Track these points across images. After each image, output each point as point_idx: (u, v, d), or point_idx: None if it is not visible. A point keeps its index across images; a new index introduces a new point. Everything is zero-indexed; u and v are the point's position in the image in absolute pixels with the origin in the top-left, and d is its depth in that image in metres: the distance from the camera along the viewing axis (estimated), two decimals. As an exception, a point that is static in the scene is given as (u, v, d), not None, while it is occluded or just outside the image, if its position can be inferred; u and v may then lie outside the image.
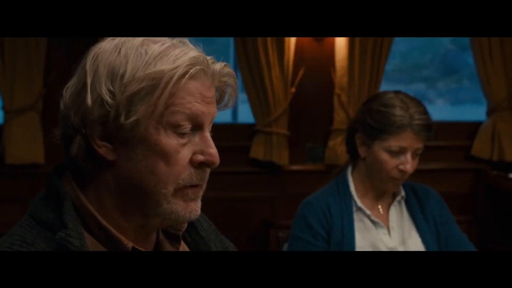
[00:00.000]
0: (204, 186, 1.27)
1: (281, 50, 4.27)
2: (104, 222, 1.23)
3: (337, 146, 4.40)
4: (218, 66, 1.25)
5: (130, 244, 1.23)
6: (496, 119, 4.60)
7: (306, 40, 4.37)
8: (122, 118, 1.18)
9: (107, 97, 1.18)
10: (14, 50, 4.01)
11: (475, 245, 2.58)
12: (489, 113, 4.64)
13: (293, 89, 4.37)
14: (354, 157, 2.56)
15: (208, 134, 1.25)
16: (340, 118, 4.42)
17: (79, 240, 1.18)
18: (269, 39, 4.24)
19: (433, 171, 4.57)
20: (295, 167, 4.50)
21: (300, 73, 4.39)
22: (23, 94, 4.05)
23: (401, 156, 2.38)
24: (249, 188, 4.46)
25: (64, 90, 1.24)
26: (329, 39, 4.39)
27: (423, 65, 5.72)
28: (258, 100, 4.33)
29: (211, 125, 1.27)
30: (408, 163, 2.37)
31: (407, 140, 2.36)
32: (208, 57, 1.24)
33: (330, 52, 4.40)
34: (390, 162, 2.38)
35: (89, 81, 1.20)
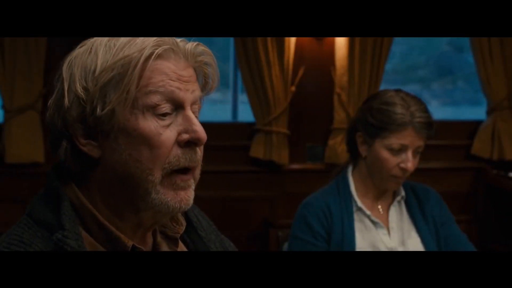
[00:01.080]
0: (196, 173, 1.26)
1: (281, 49, 4.27)
2: (104, 221, 1.23)
3: (337, 145, 4.40)
4: (190, 45, 1.24)
5: (130, 243, 1.23)
6: (496, 118, 4.60)
7: (306, 39, 4.37)
8: (98, 110, 1.19)
9: (82, 94, 1.20)
10: (14, 50, 4.01)
11: (475, 244, 2.58)
12: (489, 112, 4.64)
13: (293, 88, 4.37)
14: (354, 157, 2.56)
15: (190, 113, 1.23)
16: (340, 117, 4.42)
17: (76, 241, 1.18)
18: (269, 38, 4.23)
19: (433, 170, 4.57)
20: (295, 167, 4.50)
21: (300, 72, 4.39)
22: (23, 94, 4.05)
23: (402, 154, 2.38)
24: (249, 187, 4.45)
25: (49, 102, 1.25)
26: (329, 38, 4.39)
27: (418, 66, 5.72)
28: (258, 99, 4.32)
29: (197, 107, 1.26)
30: (409, 161, 2.37)
31: (408, 138, 2.37)
32: (179, 39, 1.24)
33: (330, 51, 4.39)
34: (391, 160, 2.39)
35: (65, 85, 1.21)
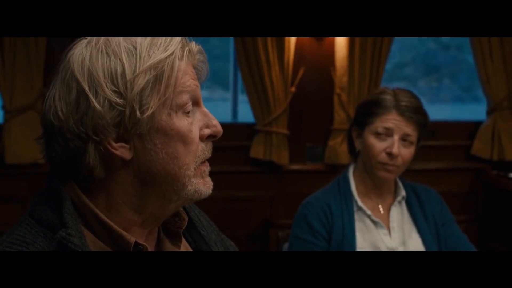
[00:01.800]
0: None
1: (281, 49, 4.27)
2: (105, 219, 1.23)
3: (337, 145, 4.40)
4: (193, 45, 1.29)
5: (132, 239, 1.24)
6: (496, 118, 4.60)
7: (306, 39, 4.37)
8: (138, 113, 1.20)
9: (115, 98, 1.20)
10: (14, 50, 4.01)
11: (475, 244, 2.58)
12: (489, 112, 4.65)
13: (293, 89, 4.37)
14: (354, 156, 2.57)
15: (206, 109, 1.30)
16: (340, 117, 4.42)
17: (79, 239, 1.19)
18: (269, 38, 4.23)
19: (433, 171, 4.57)
20: (295, 167, 4.50)
21: (300, 73, 4.39)
22: (23, 94, 4.05)
23: (388, 139, 2.40)
24: (249, 187, 4.46)
25: (48, 104, 1.23)
26: (329, 38, 4.39)
27: (405, 64, 5.71)
28: (258, 100, 4.32)
29: None
30: (394, 146, 2.38)
31: (393, 121, 2.39)
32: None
33: (330, 52, 4.40)
34: (378, 145, 2.41)
35: (86, 87, 1.20)
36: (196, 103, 1.28)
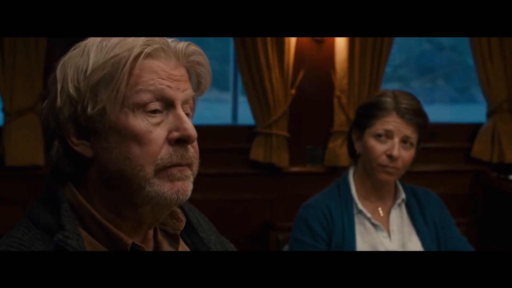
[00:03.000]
0: (195, 168, 1.26)
1: (281, 51, 4.27)
2: (103, 220, 1.23)
3: (337, 148, 4.40)
4: (181, 45, 1.25)
5: (130, 241, 1.23)
6: (496, 120, 4.60)
7: (306, 41, 4.37)
8: (89, 109, 1.20)
9: (73, 94, 1.21)
10: (14, 50, 4.01)
11: (475, 247, 2.58)
12: (489, 114, 4.64)
13: (293, 91, 4.37)
14: (354, 159, 2.56)
15: (181, 112, 1.24)
16: (340, 120, 4.42)
17: (77, 242, 1.18)
18: (269, 40, 4.23)
19: (433, 173, 4.57)
20: (295, 169, 4.50)
21: (300, 75, 4.39)
22: (23, 96, 4.05)
23: (388, 141, 2.40)
24: (249, 190, 4.45)
25: (44, 103, 1.26)
26: (329, 40, 4.39)
27: (399, 65, 5.69)
28: (258, 102, 4.32)
29: (189, 107, 1.27)
30: (395, 148, 2.38)
31: (393, 123, 2.39)
32: (170, 39, 1.25)
33: (330, 54, 4.40)
34: (378, 147, 2.41)
35: (59, 86, 1.22)
36: (170, 104, 1.23)
